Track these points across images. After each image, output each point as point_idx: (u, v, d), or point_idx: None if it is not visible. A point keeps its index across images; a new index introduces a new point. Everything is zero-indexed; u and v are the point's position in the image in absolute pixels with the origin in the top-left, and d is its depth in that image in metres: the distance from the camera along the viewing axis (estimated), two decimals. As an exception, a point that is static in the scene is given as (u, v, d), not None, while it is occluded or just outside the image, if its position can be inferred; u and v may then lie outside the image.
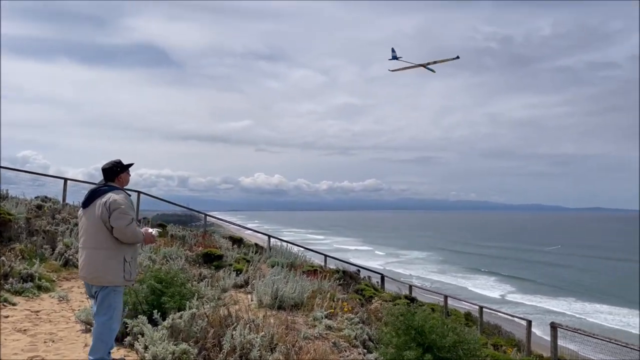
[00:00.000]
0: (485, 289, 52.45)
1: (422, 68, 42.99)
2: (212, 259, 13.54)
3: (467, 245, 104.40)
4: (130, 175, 5.28)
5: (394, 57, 41.43)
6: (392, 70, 43.57)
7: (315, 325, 7.70)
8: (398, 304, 12.16)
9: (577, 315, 40.32)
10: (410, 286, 23.22)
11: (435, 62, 44.31)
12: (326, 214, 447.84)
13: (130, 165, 5.23)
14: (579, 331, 13.28)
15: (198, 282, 9.65)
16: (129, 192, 5.26)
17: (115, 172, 5.10)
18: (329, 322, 7.92)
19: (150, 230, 5.35)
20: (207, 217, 21.52)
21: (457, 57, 44.86)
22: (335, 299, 9.38)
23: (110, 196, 4.89)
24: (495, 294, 49.79)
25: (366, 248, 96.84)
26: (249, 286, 10.60)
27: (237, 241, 18.61)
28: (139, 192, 18.80)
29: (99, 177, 5.24)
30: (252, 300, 9.01)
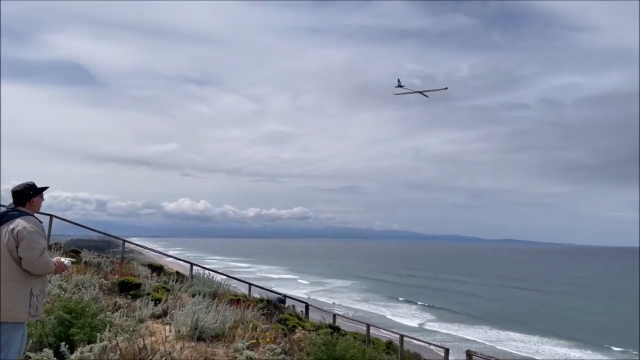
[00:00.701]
0: (405, 317, 53.69)
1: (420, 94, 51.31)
2: (129, 288, 12.90)
3: (390, 274, 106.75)
4: (43, 199, 4.84)
5: (399, 85, 50.35)
6: (396, 94, 52.23)
7: (236, 357, 7.53)
8: (321, 333, 12.16)
9: (491, 343, 42.22)
10: (334, 315, 23.32)
11: (428, 91, 53.70)
12: (253, 242, 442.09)
13: (45, 188, 4.76)
14: (492, 358, 13.91)
15: (112, 313, 9.15)
16: (40, 219, 4.86)
17: (27, 196, 4.61)
18: (250, 353, 7.78)
19: (62, 259, 4.92)
20: (126, 243, 20.55)
21: (446, 88, 56.22)
22: (257, 329, 9.23)
23: (19, 223, 4.39)
24: (414, 322, 51.09)
25: (291, 276, 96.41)
26: (168, 316, 10.19)
27: (157, 269, 17.90)
28: (51, 216, 17.65)
29: (8, 200, 4.82)
30: (170, 331, 8.66)
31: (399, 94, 52.24)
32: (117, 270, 15.36)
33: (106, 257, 17.93)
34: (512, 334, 46.94)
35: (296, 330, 13.29)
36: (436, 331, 46.90)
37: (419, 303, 64.61)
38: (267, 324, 11.65)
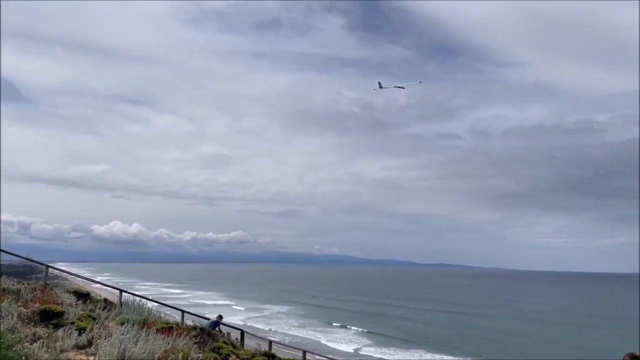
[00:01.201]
0: (342, 342, 53.69)
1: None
2: (50, 317, 12.16)
3: (328, 299, 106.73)
4: None
5: (380, 87, 60.18)
6: (381, 87, 62.84)
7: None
8: (255, 361, 11.96)
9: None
10: (270, 342, 22.96)
11: (404, 85, 65.65)
12: (188, 267, 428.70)
13: None
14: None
15: (31, 344, 8.59)
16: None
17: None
18: (179, 383, 7.52)
19: None
20: (50, 269, 19.40)
21: (420, 82, 67.61)
22: (189, 359, 8.96)
23: None
24: (350, 347, 51.18)
25: (226, 302, 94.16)
26: (93, 346, 9.69)
27: (84, 296, 16.98)
28: (-34, 239, 16.40)
29: None
30: (94, 363, 8.24)
31: (382, 87, 63.87)
32: (39, 298, 14.45)
33: (27, 283, 16.82)
34: (446, 357, 48.02)
35: (230, 359, 13.00)
36: (371, 356, 47.19)
37: (356, 328, 64.88)
38: (200, 352, 11.33)
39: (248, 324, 59.06)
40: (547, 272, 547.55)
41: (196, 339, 12.92)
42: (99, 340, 9.53)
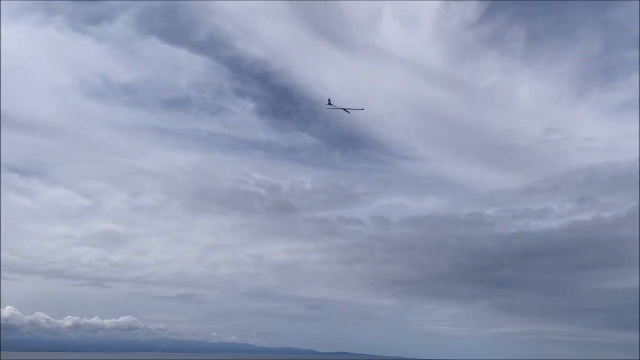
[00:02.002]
0: None
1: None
2: None
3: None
4: None
5: (329, 103, 64.14)
6: (328, 107, 66.52)
7: None
8: None
9: None
10: None
11: (350, 109, 68.06)
12: (67, 356, 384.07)
13: None
14: None
15: None
16: None
17: None
18: None
19: None
20: None
21: (363, 109, 72.48)
22: None
23: None
24: None
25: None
26: None
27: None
28: None
29: None
30: None
31: (330, 108, 67.93)
32: None
33: None
34: None
35: None
36: None
37: None
38: None
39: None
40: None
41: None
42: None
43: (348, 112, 71.33)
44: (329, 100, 68.56)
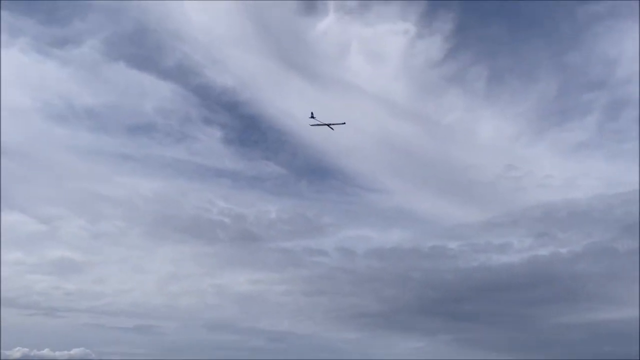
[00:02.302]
0: None
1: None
2: None
3: None
4: None
5: (312, 116, 64.16)
6: (312, 125, 67.43)
7: None
8: None
9: None
10: None
11: (332, 124, 68.23)
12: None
13: None
14: None
15: None
16: None
17: None
18: None
19: None
20: None
21: (344, 123, 71.34)
22: None
23: None
24: None
25: None
26: None
27: None
28: None
29: None
30: None
31: (313, 125, 68.83)
32: None
33: None
34: None
35: None
36: None
37: None
38: None
39: None
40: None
41: None
42: None
43: (332, 128, 70.83)
44: (312, 113, 67.50)
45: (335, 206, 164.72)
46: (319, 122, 71.41)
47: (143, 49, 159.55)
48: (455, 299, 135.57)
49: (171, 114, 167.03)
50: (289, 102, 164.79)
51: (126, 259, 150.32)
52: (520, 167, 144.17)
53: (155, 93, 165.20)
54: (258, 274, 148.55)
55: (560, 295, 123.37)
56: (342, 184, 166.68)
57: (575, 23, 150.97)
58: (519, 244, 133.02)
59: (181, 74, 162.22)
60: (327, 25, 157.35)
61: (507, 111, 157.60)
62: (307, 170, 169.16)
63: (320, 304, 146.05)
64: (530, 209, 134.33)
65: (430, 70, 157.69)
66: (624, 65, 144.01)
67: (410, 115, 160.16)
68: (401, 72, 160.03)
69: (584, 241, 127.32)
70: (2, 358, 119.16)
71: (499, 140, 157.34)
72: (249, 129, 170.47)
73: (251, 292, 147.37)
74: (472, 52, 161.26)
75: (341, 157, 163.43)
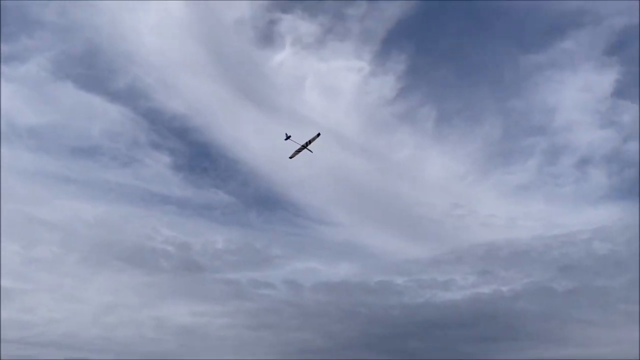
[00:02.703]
0: None
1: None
2: None
3: None
4: None
5: (287, 137, 59.30)
6: (288, 138, 61.01)
7: None
8: None
9: None
10: None
11: (309, 143, 61.88)
12: None
13: None
14: None
15: None
16: None
17: None
18: None
19: None
20: None
21: (319, 134, 64.12)
22: None
23: None
24: None
25: None
26: None
27: None
28: None
29: None
30: None
31: (292, 156, 63.13)
32: None
33: None
34: None
35: None
36: None
37: None
38: None
39: None
40: None
41: None
42: None
43: (310, 150, 62.62)
44: (287, 134, 60.12)
45: (284, 238, 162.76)
46: (296, 143, 61.15)
47: (93, 69, 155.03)
48: (400, 335, 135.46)
49: (119, 137, 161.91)
50: (242, 132, 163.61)
51: (60, 286, 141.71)
52: (465, 205, 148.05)
53: (103, 115, 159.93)
54: (200, 306, 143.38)
55: (501, 333, 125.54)
56: (292, 216, 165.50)
57: (518, 71, 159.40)
58: (463, 280, 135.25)
59: (131, 97, 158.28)
60: (284, 58, 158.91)
61: (454, 151, 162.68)
62: (258, 200, 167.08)
63: (264, 339, 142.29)
64: (474, 247, 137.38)
65: (382, 108, 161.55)
66: (562, 114, 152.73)
67: (362, 150, 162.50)
68: (354, 108, 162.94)
69: (524, 280, 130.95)
70: None
71: (446, 178, 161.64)
72: (200, 156, 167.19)
73: (192, 325, 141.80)
74: (422, 92, 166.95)
75: (292, 189, 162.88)
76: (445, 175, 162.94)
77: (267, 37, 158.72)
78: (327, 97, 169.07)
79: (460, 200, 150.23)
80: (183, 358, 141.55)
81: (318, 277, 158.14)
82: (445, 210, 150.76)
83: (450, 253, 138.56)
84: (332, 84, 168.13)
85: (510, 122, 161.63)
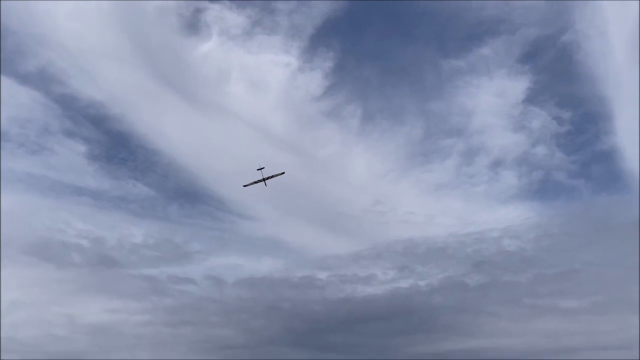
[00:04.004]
0: None
1: None
2: None
3: None
4: None
5: (261, 169, 59.35)
6: (245, 186, 62.01)
7: None
8: None
9: None
10: None
11: (270, 177, 61.66)
12: None
13: None
14: None
15: None
16: None
17: None
18: None
19: None
20: None
21: (283, 173, 64.98)
22: None
23: None
24: None
25: None
26: None
27: None
28: None
29: None
30: None
31: (247, 185, 63.12)
32: None
33: None
34: None
35: None
36: None
37: None
38: None
39: None
40: None
41: None
42: None
43: (265, 184, 64.13)
44: (260, 166, 60.82)
45: (205, 232, 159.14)
46: (257, 179, 64.67)
47: (1, 50, 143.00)
48: (322, 330, 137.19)
49: (27, 124, 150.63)
50: (163, 122, 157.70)
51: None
52: (386, 202, 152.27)
53: (11, 99, 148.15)
54: (115, 303, 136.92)
55: (418, 326, 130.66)
56: (214, 210, 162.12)
57: (439, 75, 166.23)
58: (383, 276, 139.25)
59: (43, 81, 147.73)
60: (209, 49, 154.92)
61: (376, 149, 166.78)
62: (179, 193, 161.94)
63: (184, 336, 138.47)
64: (394, 243, 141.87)
65: (309, 104, 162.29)
66: (479, 117, 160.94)
67: (287, 146, 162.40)
68: (281, 103, 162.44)
69: (440, 275, 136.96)
70: None
71: (368, 176, 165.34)
72: (117, 146, 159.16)
73: (106, 323, 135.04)
74: (348, 90, 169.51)
75: (214, 183, 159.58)
76: (368, 172, 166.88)
77: (193, 25, 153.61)
78: (254, 91, 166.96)
79: (381, 198, 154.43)
80: (96, 358, 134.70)
81: (240, 272, 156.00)
82: (366, 206, 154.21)
83: (371, 249, 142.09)
84: (259, 78, 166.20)
85: (430, 123, 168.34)
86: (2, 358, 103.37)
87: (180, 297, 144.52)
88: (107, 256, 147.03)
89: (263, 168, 64.45)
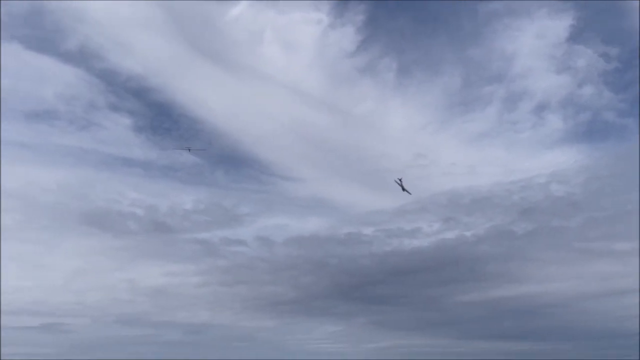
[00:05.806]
0: None
1: None
2: None
3: None
4: None
5: (399, 182, 73.50)
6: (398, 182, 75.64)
7: None
8: None
9: None
10: None
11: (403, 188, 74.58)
12: None
13: None
14: None
15: None
16: None
17: None
18: None
19: None
20: None
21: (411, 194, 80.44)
22: None
23: None
24: None
25: None
26: None
27: None
28: None
29: None
30: None
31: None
32: None
33: None
34: None
35: None
36: None
37: None
38: None
39: None
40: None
41: None
42: None
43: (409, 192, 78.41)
44: (399, 179, 75.70)
45: (252, 195, 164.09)
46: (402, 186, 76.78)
47: (41, 29, 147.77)
48: (369, 283, 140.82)
49: (74, 100, 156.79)
50: (201, 90, 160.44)
51: (24, 254, 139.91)
52: (427, 155, 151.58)
53: (55, 77, 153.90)
54: (172, 266, 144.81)
55: (465, 275, 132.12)
56: (258, 173, 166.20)
57: (476, 20, 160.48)
58: (428, 228, 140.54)
59: (84, 58, 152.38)
60: (240, 12, 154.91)
61: (414, 102, 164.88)
62: (223, 159, 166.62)
63: (238, 294, 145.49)
64: (437, 196, 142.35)
65: (343, 61, 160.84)
66: (520, 61, 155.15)
67: (324, 105, 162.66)
68: (314, 62, 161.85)
69: (486, 225, 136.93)
70: None
71: (408, 130, 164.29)
72: (160, 117, 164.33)
73: (165, 285, 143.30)
74: (382, 44, 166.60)
75: (256, 146, 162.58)
76: (407, 126, 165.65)
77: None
78: (286, 51, 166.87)
79: (422, 151, 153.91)
80: (158, 318, 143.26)
81: (288, 232, 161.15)
82: (407, 161, 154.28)
83: (415, 202, 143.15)
84: (290, 38, 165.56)
85: (469, 71, 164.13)
86: (2, 358, 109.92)
87: (233, 258, 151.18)
88: (161, 223, 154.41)
89: (401, 179, 74.90)
